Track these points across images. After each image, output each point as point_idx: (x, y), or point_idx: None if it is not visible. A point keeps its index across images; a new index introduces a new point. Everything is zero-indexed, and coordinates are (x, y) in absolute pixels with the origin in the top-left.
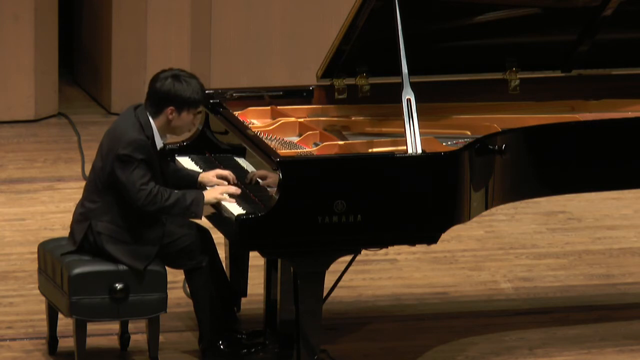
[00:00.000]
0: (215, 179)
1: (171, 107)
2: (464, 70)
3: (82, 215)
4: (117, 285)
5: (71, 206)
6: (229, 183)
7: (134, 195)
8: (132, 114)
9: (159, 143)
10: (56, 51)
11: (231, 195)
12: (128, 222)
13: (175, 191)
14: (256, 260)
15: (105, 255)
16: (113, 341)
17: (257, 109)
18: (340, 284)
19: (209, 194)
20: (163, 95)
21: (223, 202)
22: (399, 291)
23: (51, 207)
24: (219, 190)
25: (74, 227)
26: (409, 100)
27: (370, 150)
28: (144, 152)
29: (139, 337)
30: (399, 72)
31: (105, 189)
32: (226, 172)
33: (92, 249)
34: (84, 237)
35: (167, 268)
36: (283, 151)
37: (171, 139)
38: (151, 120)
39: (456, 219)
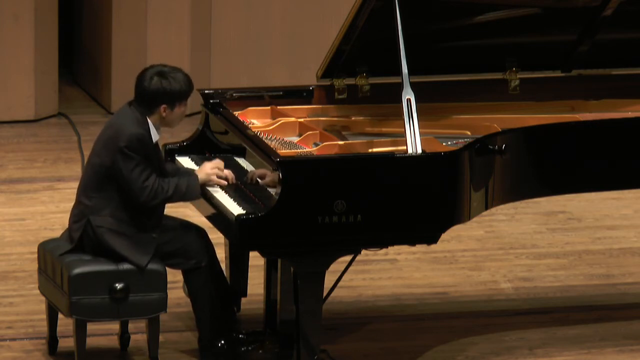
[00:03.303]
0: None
1: (164, 105)
2: (464, 70)
3: (78, 215)
4: (117, 285)
5: (71, 206)
6: (224, 179)
7: (137, 192)
8: (128, 109)
9: (155, 136)
10: (56, 51)
11: (224, 181)
12: (127, 214)
13: (172, 179)
14: (256, 260)
15: (105, 250)
16: (113, 341)
17: (257, 109)
18: (340, 284)
19: (201, 173)
20: (153, 96)
21: (222, 201)
22: (399, 291)
23: (51, 207)
24: (209, 165)
25: (72, 227)
26: (409, 100)
27: (370, 150)
28: (144, 146)
29: (139, 337)
30: (399, 72)
31: (103, 183)
32: (222, 167)
33: (91, 245)
34: (83, 233)
35: (167, 268)
36: (283, 151)
37: (171, 138)
38: (146, 115)
39: (456, 219)
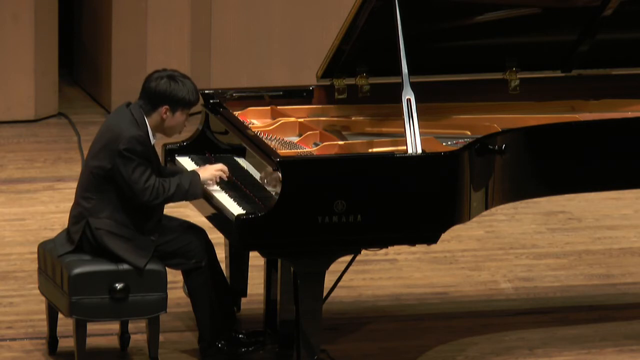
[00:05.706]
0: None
1: (166, 107)
2: (464, 70)
3: (77, 217)
4: (117, 285)
5: (71, 206)
6: (223, 178)
7: (139, 193)
8: (126, 111)
9: (152, 140)
10: (56, 51)
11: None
12: (125, 216)
13: (173, 178)
14: (256, 260)
15: (104, 252)
16: (113, 341)
17: (257, 109)
18: (340, 284)
19: (204, 172)
20: (158, 94)
21: (222, 201)
22: (399, 291)
23: (51, 207)
24: (214, 167)
25: (71, 229)
26: (409, 100)
27: (370, 150)
28: (144, 147)
29: (139, 337)
30: (399, 72)
31: (102, 185)
32: (226, 171)
33: (91, 247)
34: (82, 236)
35: (167, 268)
36: (283, 151)
37: (170, 139)
38: (145, 117)
39: (456, 219)
